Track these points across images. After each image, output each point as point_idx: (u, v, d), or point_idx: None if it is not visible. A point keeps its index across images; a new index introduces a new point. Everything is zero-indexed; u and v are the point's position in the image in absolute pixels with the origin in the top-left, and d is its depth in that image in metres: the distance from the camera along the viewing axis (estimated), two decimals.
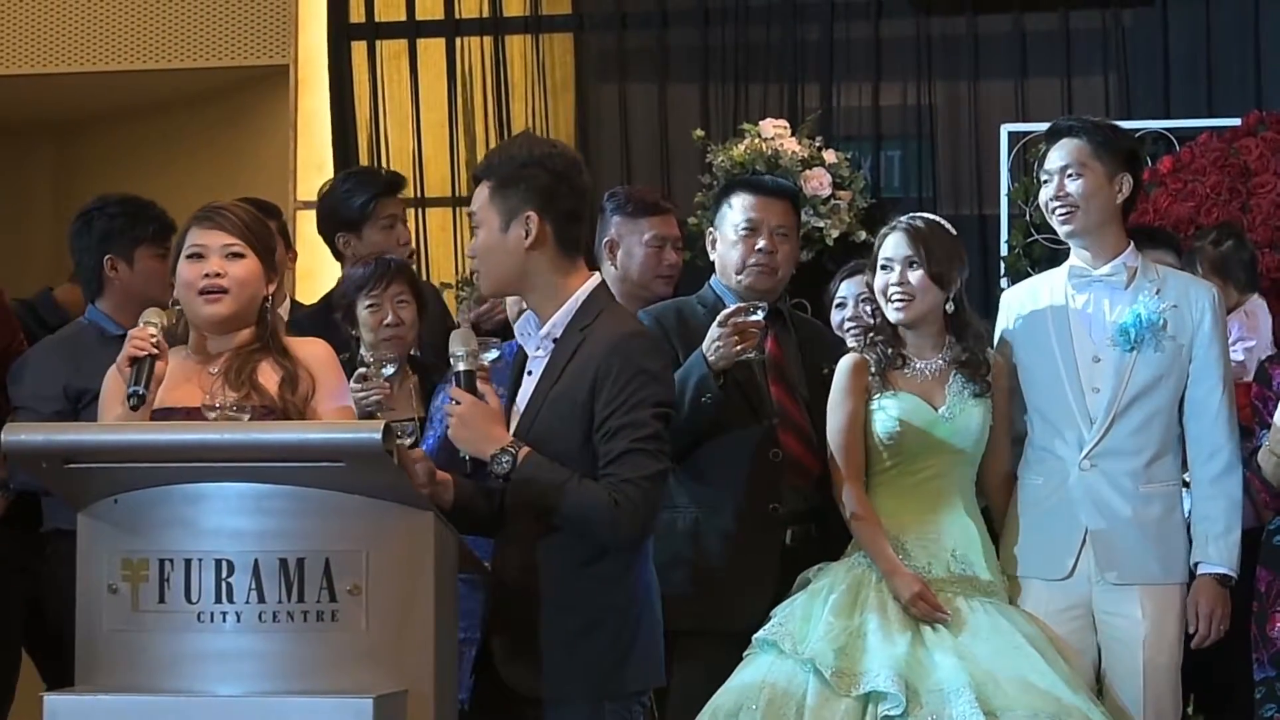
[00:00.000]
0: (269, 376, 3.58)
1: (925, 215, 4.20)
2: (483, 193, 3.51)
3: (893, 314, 4.09)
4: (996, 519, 4.23)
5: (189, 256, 3.61)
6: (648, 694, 3.57)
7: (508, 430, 3.45)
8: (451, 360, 3.49)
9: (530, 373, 3.55)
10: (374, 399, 4.28)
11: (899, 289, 4.07)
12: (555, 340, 3.50)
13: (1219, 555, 4.02)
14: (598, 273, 3.62)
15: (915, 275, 4.06)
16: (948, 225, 4.16)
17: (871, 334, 4.16)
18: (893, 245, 4.10)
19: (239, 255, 3.62)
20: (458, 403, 3.42)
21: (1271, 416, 4.21)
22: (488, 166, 3.54)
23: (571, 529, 3.39)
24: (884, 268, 4.10)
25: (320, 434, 3.22)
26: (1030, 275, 4.73)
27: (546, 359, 3.51)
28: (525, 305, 3.62)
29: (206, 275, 3.58)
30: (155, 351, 3.45)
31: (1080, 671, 3.96)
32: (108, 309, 4.71)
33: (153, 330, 3.49)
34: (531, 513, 3.39)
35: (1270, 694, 4.17)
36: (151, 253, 4.68)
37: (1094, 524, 4.04)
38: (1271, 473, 4.16)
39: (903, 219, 4.16)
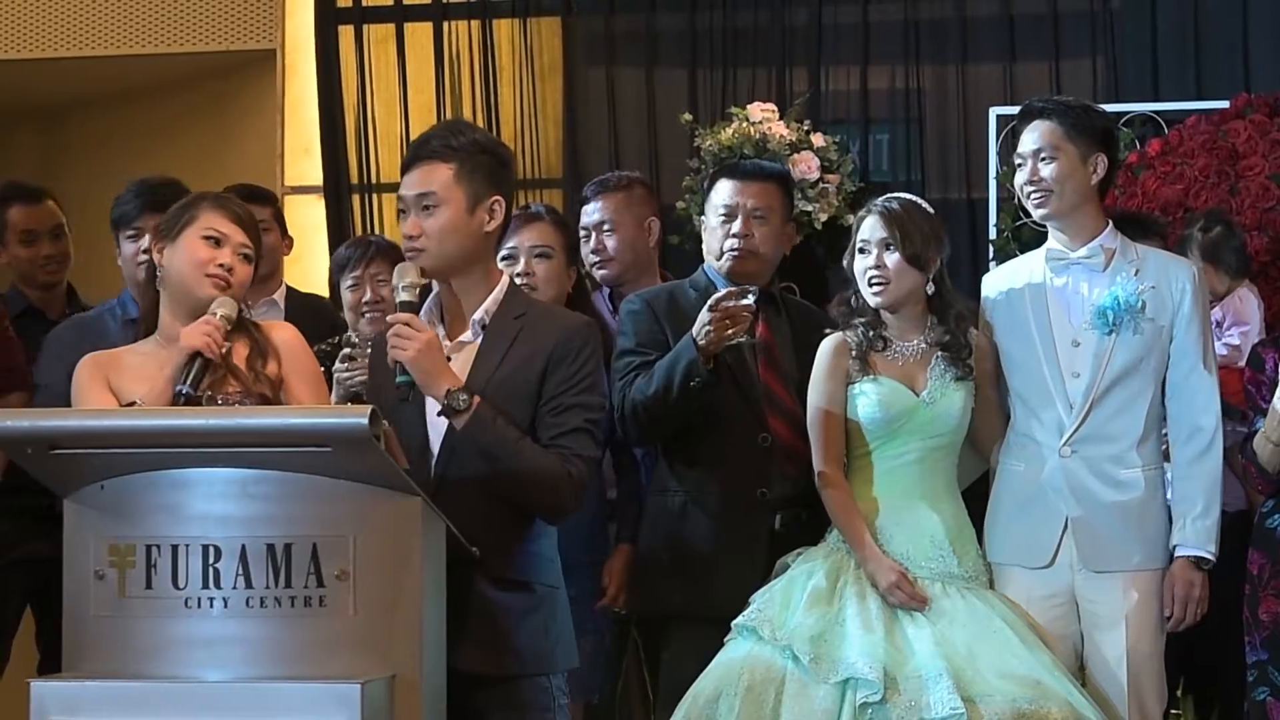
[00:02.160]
0: (238, 353, 3.60)
1: (902, 196, 4.17)
2: (441, 172, 3.53)
3: (871, 298, 4.07)
4: None
5: (206, 238, 3.64)
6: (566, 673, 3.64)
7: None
8: (394, 291, 3.52)
9: (449, 358, 3.56)
10: (359, 379, 4.29)
11: (876, 272, 4.05)
12: (485, 326, 3.55)
13: (1196, 538, 4.00)
14: (506, 271, 3.71)
15: (891, 258, 4.04)
16: (926, 205, 4.14)
17: (853, 315, 4.14)
18: (869, 228, 4.08)
19: (248, 259, 3.68)
20: (410, 327, 3.43)
21: (1264, 402, 4.19)
22: (443, 147, 3.55)
23: (514, 487, 3.42)
24: (861, 251, 4.08)
25: (307, 419, 3.22)
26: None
27: (478, 343, 3.54)
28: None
29: (221, 265, 3.61)
30: (220, 354, 3.50)
31: (1062, 658, 3.95)
32: (132, 292, 4.73)
33: (226, 326, 3.54)
34: (472, 486, 3.41)
35: (1263, 677, 4.17)
36: (124, 235, 4.70)
37: (1074, 512, 4.02)
38: (1267, 459, 4.15)
39: (878, 201, 4.14)
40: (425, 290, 3.62)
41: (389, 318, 3.51)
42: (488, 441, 3.40)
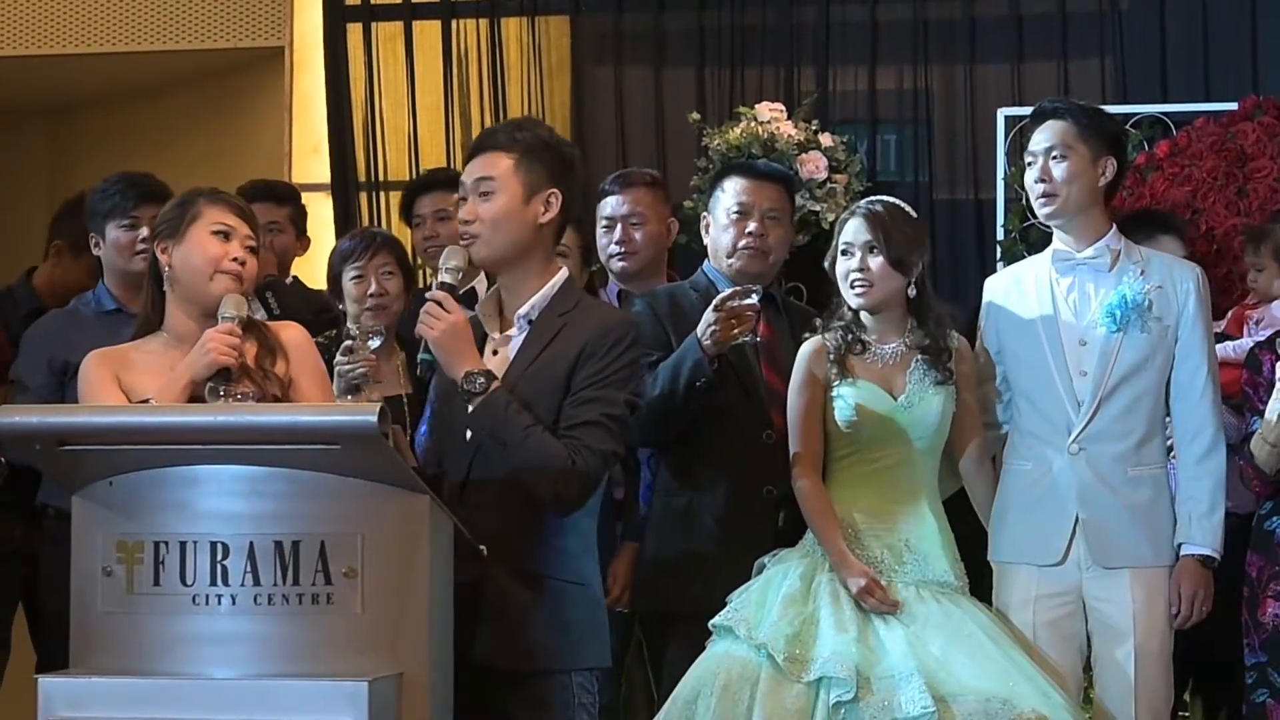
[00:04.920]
0: (247, 351, 3.60)
1: (886, 199, 4.18)
2: (503, 161, 3.55)
3: (853, 300, 4.07)
4: (974, 502, 4.22)
5: (215, 233, 3.64)
6: (597, 672, 3.61)
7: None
8: (439, 271, 3.54)
9: (495, 353, 3.58)
10: (360, 371, 4.28)
11: (859, 275, 4.05)
12: (531, 322, 3.55)
13: (1202, 536, 4.02)
14: (565, 266, 3.70)
15: (875, 261, 4.05)
16: (908, 209, 4.15)
17: (832, 318, 4.14)
18: (852, 230, 4.08)
19: (254, 250, 3.68)
20: (443, 307, 3.44)
21: (1261, 403, 4.20)
22: (506, 138, 3.58)
23: (521, 473, 3.41)
24: (844, 253, 4.09)
25: (315, 416, 3.23)
26: (1026, 259, 4.73)
27: (521, 339, 3.55)
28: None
29: (234, 260, 3.62)
30: (241, 357, 3.52)
31: (1068, 658, 3.98)
32: (109, 283, 4.72)
33: (235, 327, 3.54)
34: (499, 478, 3.42)
35: (1262, 679, 4.17)
36: (116, 225, 4.70)
37: (1084, 509, 4.03)
38: (1264, 460, 4.16)
39: (862, 203, 4.15)
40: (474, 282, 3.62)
41: (427, 295, 3.52)
42: (495, 426, 3.40)
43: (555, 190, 3.55)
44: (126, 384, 3.59)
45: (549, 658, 3.47)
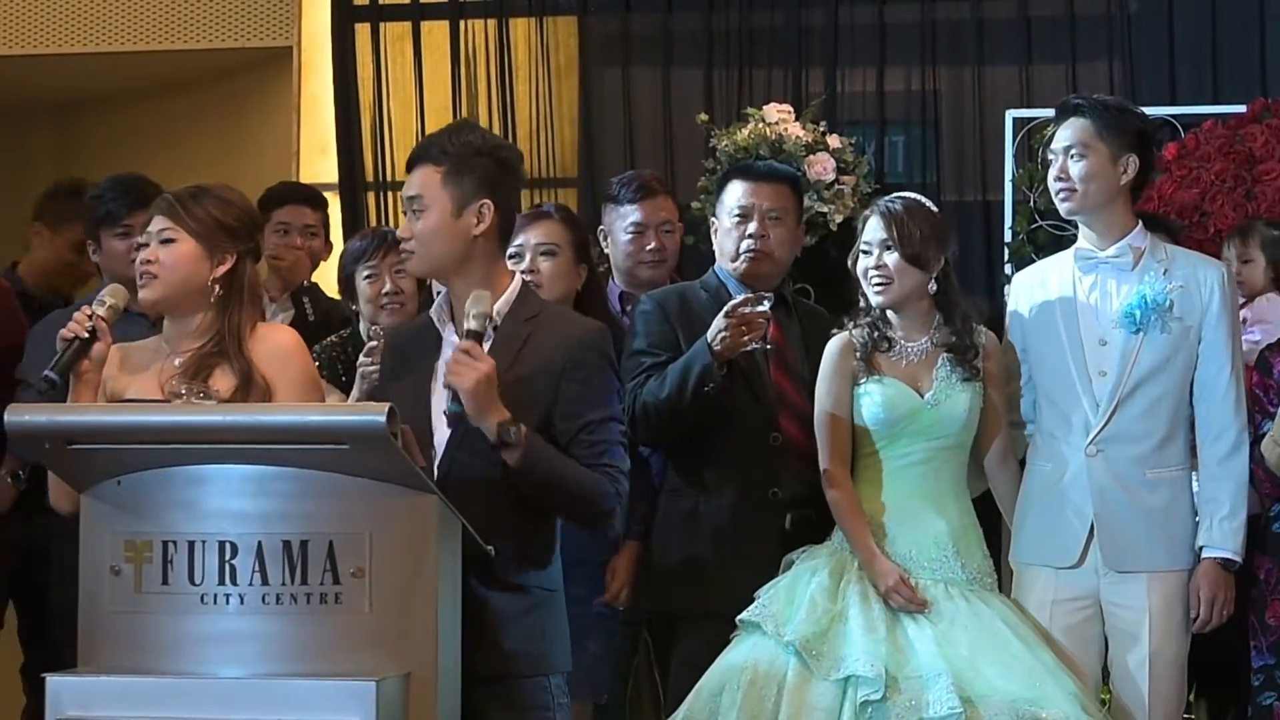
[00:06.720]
0: (223, 381, 3.51)
1: (906, 195, 4.18)
2: (430, 175, 3.54)
3: (874, 297, 4.08)
4: (998, 501, 4.22)
5: (140, 244, 3.64)
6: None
7: None
8: (465, 318, 3.45)
9: None
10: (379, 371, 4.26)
11: (877, 272, 4.06)
12: (496, 327, 3.54)
13: (1223, 539, 4.00)
14: (518, 272, 3.71)
15: (892, 258, 4.05)
16: (930, 205, 4.15)
17: (859, 315, 4.14)
18: (871, 229, 4.09)
19: (170, 240, 3.59)
20: (471, 355, 3.38)
21: (1271, 405, 4.20)
22: (438, 151, 3.56)
23: (561, 508, 3.46)
24: (864, 251, 4.10)
25: (323, 416, 3.24)
26: (1034, 261, 4.73)
27: (486, 345, 3.52)
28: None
29: (142, 261, 3.59)
30: (85, 335, 3.47)
31: (1087, 663, 3.98)
32: None
33: (100, 311, 3.51)
34: (473, 487, 3.40)
35: (1269, 682, 4.17)
36: (111, 234, 4.70)
37: (1100, 511, 4.02)
38: (1275, 463, 4.15)
39: (881, 201, 4.16)
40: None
41: (455, 343, 3.45)
42: (543, 473, 3.40)
43: (487, 201, 3.52)
44: (114, 384, 3.56)
45: (529, 663, 3.49)
